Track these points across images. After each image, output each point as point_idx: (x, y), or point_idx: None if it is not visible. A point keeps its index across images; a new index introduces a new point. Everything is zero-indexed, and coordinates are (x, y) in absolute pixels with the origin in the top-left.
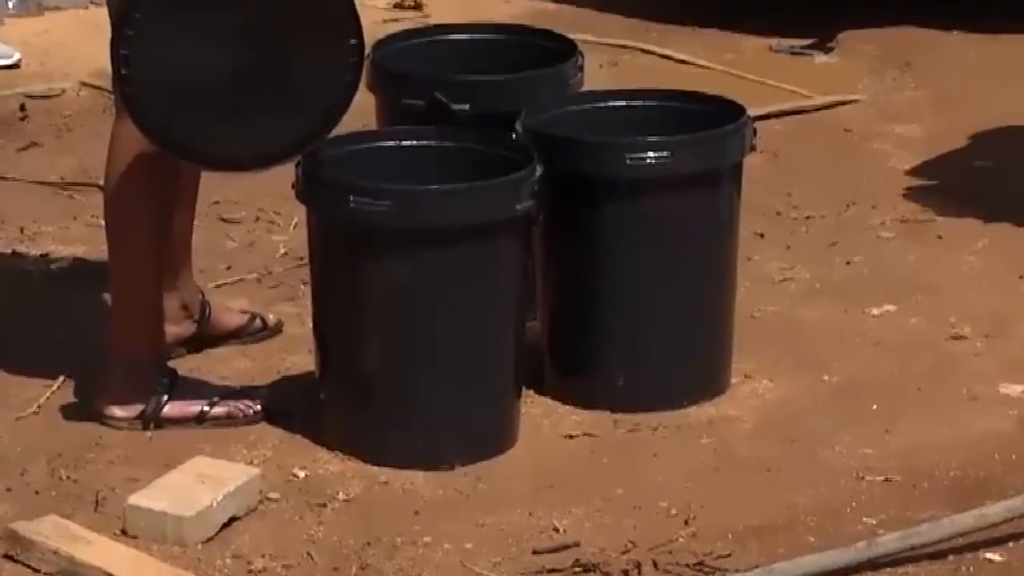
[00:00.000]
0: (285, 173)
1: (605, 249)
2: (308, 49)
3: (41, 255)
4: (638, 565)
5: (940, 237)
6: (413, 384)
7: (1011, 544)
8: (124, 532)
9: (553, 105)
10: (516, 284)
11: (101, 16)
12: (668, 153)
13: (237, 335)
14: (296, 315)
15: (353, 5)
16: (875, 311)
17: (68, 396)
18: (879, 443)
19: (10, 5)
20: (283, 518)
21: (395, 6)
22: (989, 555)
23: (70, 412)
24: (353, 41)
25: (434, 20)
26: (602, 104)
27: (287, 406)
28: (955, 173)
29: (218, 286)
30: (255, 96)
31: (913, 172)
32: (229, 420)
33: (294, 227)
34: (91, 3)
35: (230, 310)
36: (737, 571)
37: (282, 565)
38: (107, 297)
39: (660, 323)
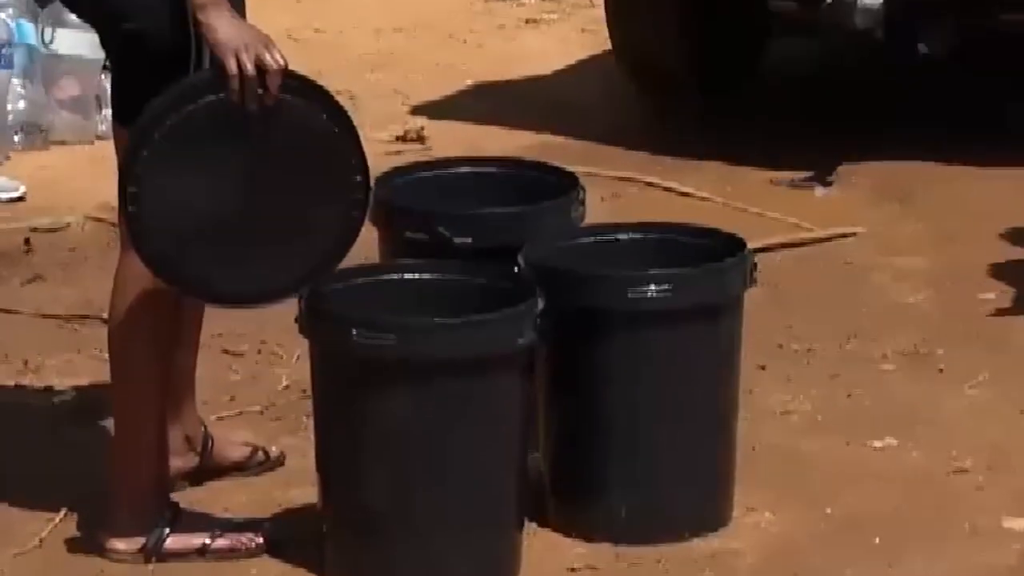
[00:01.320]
0: (288, 306)
1: (606, 381)
2: (314, 185)
3: (44, 388)
4: None
5: (941, 370)
6: (416, 517)
7: None
8: None
9: (555, 238)
10: (518, 416)
11: (107, 150)
12: (669, 286)
13: (240, 468)
14: (299, 448)
15: (359, 142)
16: (877, 444)
17: (70, 530)
18: None
19: (16, 139)
20: None
21: (398, 139)
22: None
23: (72, 546)
24: (359, 178)
25: (437, 152)
26: (604, 237)
27: (289, 539)
28: (956, 306)
29: (221, 418)
30: (260, 232)
31: (914, 305)
32: (231, 553)
33: (297, 360)
34: (97, 138)
35: (233, 443)
36: None
37: None
38: (110, 430)
39: (662, 455)
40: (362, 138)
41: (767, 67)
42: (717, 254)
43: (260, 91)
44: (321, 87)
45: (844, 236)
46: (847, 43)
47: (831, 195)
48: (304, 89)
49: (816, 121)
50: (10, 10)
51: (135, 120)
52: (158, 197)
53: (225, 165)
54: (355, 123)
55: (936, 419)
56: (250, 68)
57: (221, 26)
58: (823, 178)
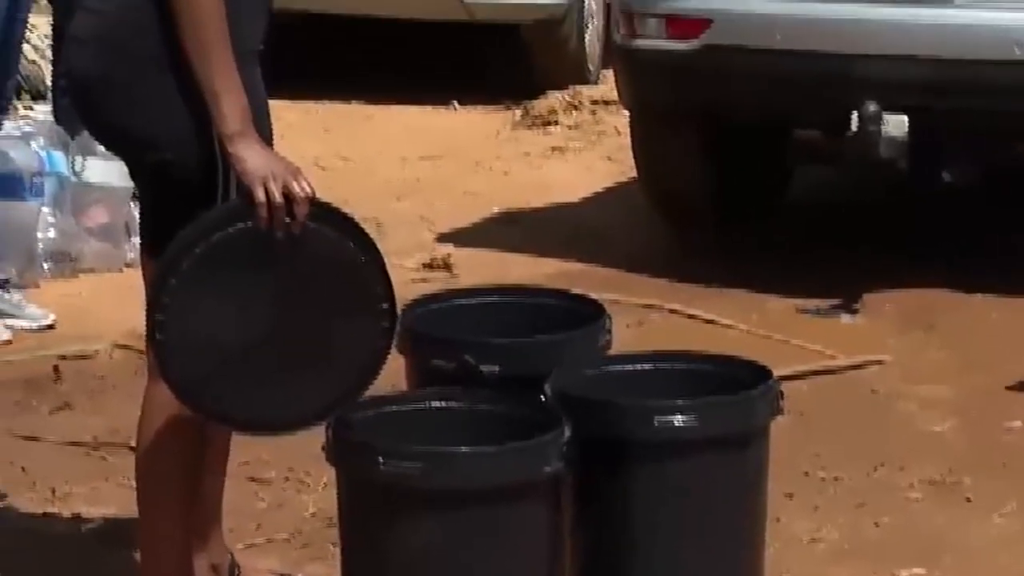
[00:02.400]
0: (315, 433)
1: (633, 510)
2: (340, 313)
3: (72, 516)
4: None
5: (969, 499)
6: None
7: None
8: None
9: (581, 367)
10: (545, 545)
11: (136, 278)
12: (696, 416)
13: None
14: None
15: (385, 270)
16: (904, 573)
17: None
18: None
19: (46, 268)
20: None
21: (424, 266)
22: None
23: None
24: (385, 306)
25: (463, 280)
26: (630, 367)
27: None
28: (982, 434)
29: (247, 547)
30: (288, 360)
31: (940, 433)
32: None
33: (324, 487)
34: (126, 265)
35: (259, 571)
36: None
37: None
38: (137, 558)
39: None
40: (388, 266)
41: (791, 194)
42: (743, 383)
43: (287, 220)
44: (347, 215)
45: (870, 364)
46: (871, 171)
47: (856, 323)
48: (331, 218)
49: (841, 248)
50: (41, 140)
51: (164, 249)
52: (185, 326)
53: (252, 294)
54: (381, 251)
55: (964, 548)
56: (278, 197)
57: (249, 156)
58: (848, 306)
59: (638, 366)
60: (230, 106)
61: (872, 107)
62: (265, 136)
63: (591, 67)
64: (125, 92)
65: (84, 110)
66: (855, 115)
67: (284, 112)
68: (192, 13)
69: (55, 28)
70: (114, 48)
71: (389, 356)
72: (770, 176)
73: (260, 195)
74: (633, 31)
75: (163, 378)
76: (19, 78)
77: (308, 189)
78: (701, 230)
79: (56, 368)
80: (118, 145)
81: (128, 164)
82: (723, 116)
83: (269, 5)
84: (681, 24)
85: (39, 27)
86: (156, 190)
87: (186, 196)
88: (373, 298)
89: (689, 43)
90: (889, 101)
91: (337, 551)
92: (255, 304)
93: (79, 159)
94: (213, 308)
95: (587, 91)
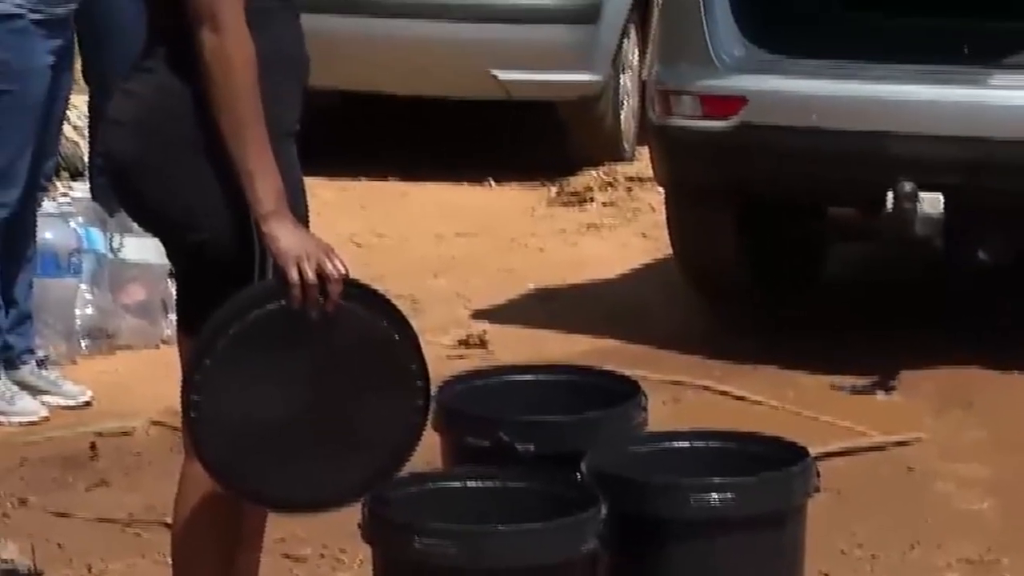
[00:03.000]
0: (351, 510)
1: None
2: (374, 392)
3: None
4: None
5: None
6: None
7: None
8: None
9: (617, 445)
10: None
11: (172, 355)
12: (732, 495)
13: None
14: None
15: (419, 348)
16: None
17: None
18: None
19: (83, 345)
20: None
21: (460, 343)
22: None
23: None
24: (419, 383)
25: (499, 357)
26: (665, 445)
27: None
28: (1020, 513)
29: None
30: (322, 439)
31: (978, 513)
32: None
33: (360, 565)
34: (162, 342)
35: None
36: None
37: None
38: None
39: None
40: (424, 343)
41: (827, 271)
42: (779, 462)
43: (321, 299)
44: (381, 294)
45: (906, 443)
46: (907, 249)
47: (893, 400)
48: (364, 296)
49: (877, 325)
50: (79, 218)
51: (200, 327)
52: (220, 405)
53: (287, 372)
54: (416, 328)
55: None
56: (311, 276)
57: (283, 235)
58: (884, 383)
59: (673, 444)
60: (264, 186)
61: (907, 186)
62: (300, 215)
63: (626, 144)
64: (161, 174)
65: (121, 191)
66: (890, 193)
67: (320, 189)
68: (227, 94)
69: (92, 107)
70: (151, 131)
71: (424, 433)
72: (805, 253)
73: (294, 275)
74: (668, 109)
75: (197, 457)
76: (59, 157)
77: (342, 268)
78: (736, 306)
79: (93, 445)
80: (155, 226)
81: (165, 244)
82: (758, 194)
83: (305, 84)
84: (716, 103)
85: (78, 106)
86: (192, 269)
87: (222, 275)
88: (407, 376)
89: (724, 122)
90: (924, 179)
91: None
92: (289, 383)
93: (117, 237)
94: (247, 387)
95: (622, 168)
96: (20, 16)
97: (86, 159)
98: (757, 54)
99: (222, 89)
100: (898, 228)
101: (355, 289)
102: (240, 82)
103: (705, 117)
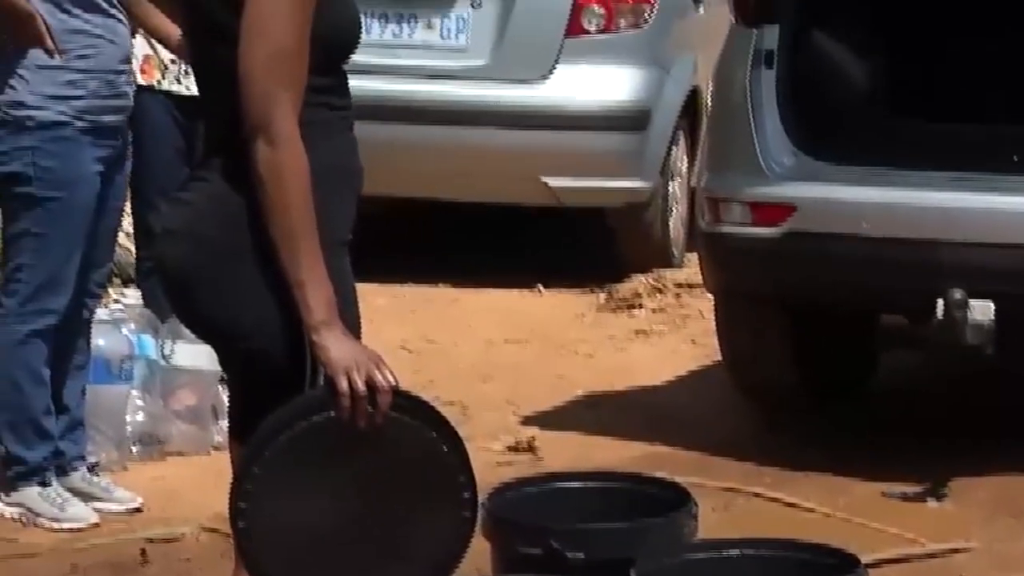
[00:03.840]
0: None
1: None
2: (422, 502)
3: None
4: None
5: None
6: None
7: None
8: None
9: (667, 553)
10: None
11: (223, 461)
12: None
13: None
14: None
15: (467, 459)
16: None
17: None
18: None
19: (134, 450)
20: None
21: (509, 449)
22: None
23: None
24: (467, 495)
25: (548, 463)
26: (716, 553)
27: None
28: None
29: None
30: (369, 548)
31: None
32: None
33: None
34: (213, 448)
35: None
36: None
37: None
38: None
39: None
40: (473, 449)
41: (877, 378)
42: (830, 570)
43: (370, 410)
44: (430, 406)
45: (957, 551)
46: (957, 356)
47: (944, 508)
48: (414, 408)
49: (928, 432)
50: (132, 325)
51: (250, 434)
52: (268, 513)
53: (335, 482)
54: (465, 434)
55: None
56: (361, 387)
57: (333, 345)
58: (936, 491)
59: (724, 552)
60: (315, 296)
61: (958, 294)
62: (352, 323)
63: (675, 250)
64: (214, 283)
65: (174, 299)
66: (941, 301)
67: (372, 296)
68: (281, 205)
69: (132, 213)
70: (204, 240)
71: (474, 540)
72: (856, 360)
73: (343, 385)
74: (718, 217)
75: (244, 565)
76: (112, 264)
77: (391, 379)
78: (787, 413)
79: (143, 551)
80: (207, 333)
81: (217, 351)
82: (808, 300)
83: (358, 194)
84: (766, 211)
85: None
86: (244, 377)
87: (273, 383)
88: (455, 487)
89: (774, 229)
90: (975, 287)
91: None
92: (338, 492)
93: (168, 343)
94: (296, 496)
95: (671, 274)
96: (67, 124)
97: None
98: (806, 162)
99: (275, 200)
100: (948, 336)
101: (404, 400)
102: (293, 193)
103: (754, 225)
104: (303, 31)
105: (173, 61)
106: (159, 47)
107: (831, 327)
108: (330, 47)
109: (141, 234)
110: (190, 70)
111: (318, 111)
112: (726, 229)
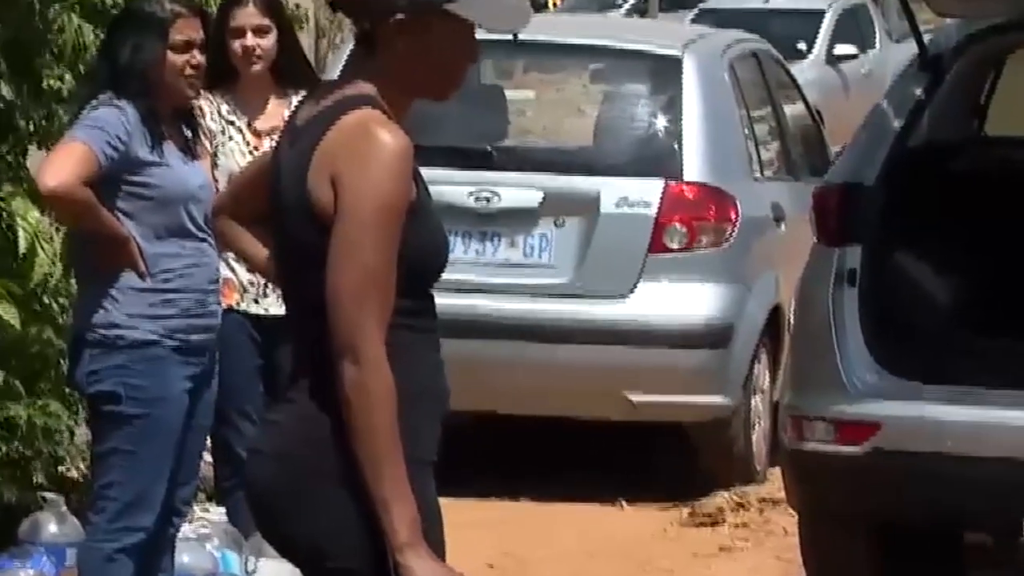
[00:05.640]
0: None
1: None
2: None
3: None
4: None
5: None
6: None
7: None
8: None
9: None
10: None
11: None
12: None
13: None
14: None
15: None
16: None
17: None
18: None
19: None
20: None
21: None
22: None
23: None
24: None
25: None
26: None
27: None
28: None
29: None
30: None
31: None
32: None
33: None
34: None
35: None
36: None
37: None
38: None
39: None
40: None
41: None
42: None
43: None
44: None
45: None
46: None
47: None
48: None
49: None
50: (215, 540)
51: None
52: None
53: None
54: None
55: None
56: None
57: (418, 566)
58: None
59: None
60: (399, 516)
61: None
62: (435, 543)
63: (758, 466)
64: (300, 503)
65: (261, 519)
66: None
67: (454, 512)
68: (366, 426)
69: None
70: (291, 460)
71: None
72: None
73: None
74: (801, 434)
75: None
76: (198, 481)
77: None
78: None
79: None
80: (293, 553)
81: (303, 570)
82: (893, 519)
83: (444, 415)
84: (850, 429)
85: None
86: None
87: None
88: None
89: (858, 447)
90: None
91: None
92: None
93: (252, 559)
94: None
95: (754, 490)
96: (156, 343)
97: None
98: (889, 380)
99: (361, 421)
100: None
101: None
102: (379, 415)
103: (838, 442)
104: (390, 255)
105: (251, 283)
106: (238, 269)
107: (917, 545)
108: (416, 271)
109: (220, 451)
110: (268, 290)
111: (404, 333)
112: (810, 447)
